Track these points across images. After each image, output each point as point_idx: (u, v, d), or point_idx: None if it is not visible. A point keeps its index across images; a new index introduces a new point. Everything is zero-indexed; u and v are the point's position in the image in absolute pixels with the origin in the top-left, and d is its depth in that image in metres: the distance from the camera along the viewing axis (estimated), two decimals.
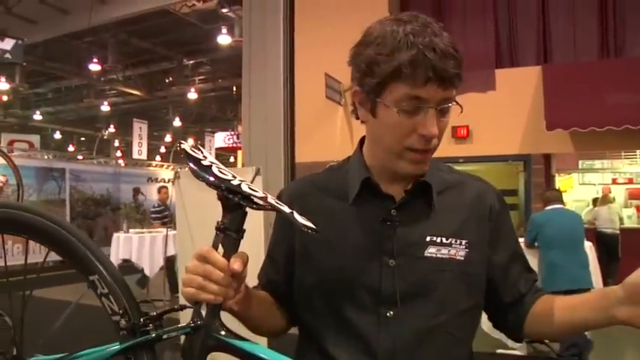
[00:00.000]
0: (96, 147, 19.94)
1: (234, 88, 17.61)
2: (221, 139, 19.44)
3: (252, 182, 3.60)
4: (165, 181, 16.53)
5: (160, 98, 19.64)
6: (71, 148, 25.30)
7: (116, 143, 24.60)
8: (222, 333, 0.95)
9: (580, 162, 11.30)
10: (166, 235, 7.12)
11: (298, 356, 1.24)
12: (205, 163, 0.97)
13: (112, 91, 19.54)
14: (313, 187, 1.25)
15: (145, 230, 8.27)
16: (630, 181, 11.95)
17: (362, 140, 1.25)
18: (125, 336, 1.04)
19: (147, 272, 7.76)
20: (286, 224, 1.23)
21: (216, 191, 0.94)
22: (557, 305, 1.15)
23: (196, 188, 3.68)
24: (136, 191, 15.32)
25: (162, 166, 17.85)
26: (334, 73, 8.41)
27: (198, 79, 18.24)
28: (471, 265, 1.15)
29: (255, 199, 0.93)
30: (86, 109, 21.08)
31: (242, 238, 0.95)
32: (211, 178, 0.93)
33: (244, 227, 0.95)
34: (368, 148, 1.21)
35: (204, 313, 0.94)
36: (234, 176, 0.95)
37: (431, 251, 1.12)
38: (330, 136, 9.16)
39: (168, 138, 23.97)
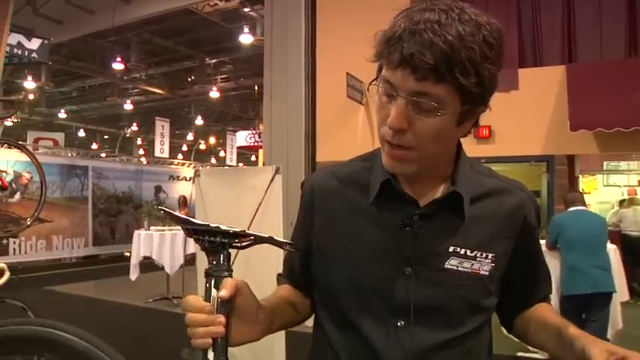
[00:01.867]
0: (118, 145, 20.13)
1: (256, 87, 17.67)
2: (242, 137, 19.47)
3: (271, 181, 3.64)
4: (186, 179, 16.67)
5: (182, 97, 19.76)
6: (94, 146, 25.60)
7: (138, 141, 24.82)
8: None
9: (605, 163, 11.09)
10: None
11: (312, 353, 1.23)
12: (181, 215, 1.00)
13: (135, 90, 19.71)
14: (337, 179, 1.18)
15: (165, 228, 8.32)
16: None
17: None
18: None
19: (167, 270, 7.81)
20: (306, 218, 1.21)
21: (197, 238, 0.96)
22: (536, 317, 1.17)
23: (216, 186, 3.71)
24: (158, 189, 15.45)
25: (184, 164, 17.96)
26: (356, 73, 8.38)
27: (220, 78, 18.31)
28: (495, 281, 1.10)
29: (236, 235, 0.95)
30: (109, 108, 21.29)
31: (230, 276, 0.95)
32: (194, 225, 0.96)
33: (231, 267, 0.96)
34: None
35: (211, 357, 0.93)
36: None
37: (452, 263, 1.06)
38: (351, 135, 9.14)
39: (190, 136, 24.14)
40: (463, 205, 1.06)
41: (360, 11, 8.94)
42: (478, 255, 1.06)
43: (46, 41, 11.35)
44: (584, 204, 5.01)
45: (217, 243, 0.94)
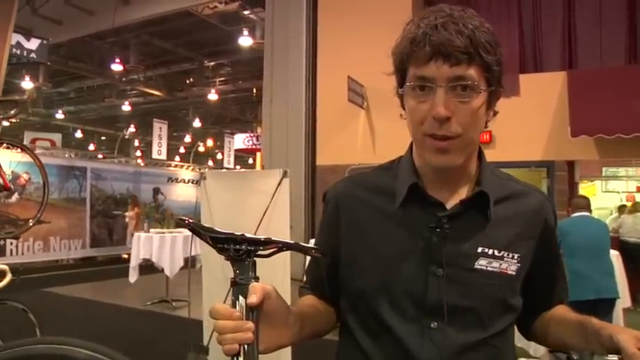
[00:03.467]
0: (117, 146, 20.10)
1: (254, 90, 17.70)
2: (240, 140, 19.49)
3: (279, 185, 3.63)
4: (185, 182, 16.64)
5: (181, 99, 19.77)
6: (92, 147, 25.55)
7: (136, 143, 24.79)
8: None
9: (604, 169, 11.13)
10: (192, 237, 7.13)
11: (340, 358, 1.22)
12: (206, 225, 0.98)
13: (133, 91, 19.71)
14: (361, 187, 1.20)
15: (165, 230, 8.29)
16: None
17: None
18: None
19: (167, 272, 7.78)
20: (331, 226, 1.21)
21: (221, 247, 0.95)
22: (556, 316, 1.20)
23: (222, 189, 3.70)
24: (156, 191, 15.43)
25: (182, 166, 17.95)
26: (357, 77, 8.39)
27: (219, 81, 18.33)
28: (520, 280, 1.12)
29: (261, 242, 0.95)
30: (107, 109, 21.29)
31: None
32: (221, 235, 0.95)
33: (257, 275, 0.95)
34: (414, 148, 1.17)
35: None
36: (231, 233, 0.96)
37: (482, 263, 1.08)
38: (352, 139, 9.15)
39: (187, 138, 24.12)
40: (489, 205, 1.09)
41: (362, 15, 8.97)
42: (505, 255, 1.09)
43: (44, 41, 11.34)
44: (590, 210, 5.02)
45: (243, 251, 0.93)
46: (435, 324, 1.07)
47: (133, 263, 7.88)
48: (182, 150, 26.03)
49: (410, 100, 1.04)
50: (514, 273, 1.10)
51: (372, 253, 1.13)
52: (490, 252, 1.08)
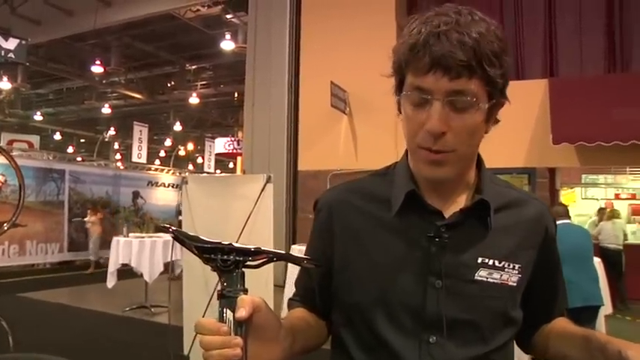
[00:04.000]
0: (97, 149, 19.86)
1: (236, 94, 17.60)
2: (221, 144, 19.37)
3: (262, 190, 3.58)
4: (165, 186, 16.47)
5: (162, 102, 19.62)
6: (70, 150, 25.23)
7: (116, 146, 24.54)
8: None
9: (583, 176, 11.26)
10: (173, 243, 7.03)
11: None
12: (191, 234, 0.91)
13: (114, 94, 19.51)
14: (355, 194, 1.14)
15: (145, 235, 8.17)
16: (633, 197, 11.91)
17: None
18: None
19: (146, 278, 7.65)
20: (323, 234, 1.15)
21: (207, 258, 0.89)
22: (556, 329, 1.16)
23: (204, 194, 3.63)
24: (136, 195, 15.25)
25: (162, 170, 17.78)
26: (340, 82, 8.36)
27: (200, 84, 18.23)
28: (521, 291, 1.08)
29: (251, 252, 0.89)
30: (87, 111, 21.05)
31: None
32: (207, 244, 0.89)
33: (246, 287, 0.89)
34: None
35: None
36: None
37: (482, 274, 1.03)
38: (334, 145, 9.12)
39: (168, 142, 23.93)
40: (489, 214, 1.04)
41: (346, 20, 8.96)
42: (506, 265, 1.04)
43: (23, 42, 11.16)
44: (569, 217, 5.03)
45: (231, 262, 0.87)
46: (434, 338, 1.01)
47: (112, 268, 7.73)
48: (162, 154, 25.82)
49: (406, 107, 0.99)
50: (515, 284, 1.05)
51: (368, 262, 1.07)
52: (491, 262, 1.04)
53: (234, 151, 18.61)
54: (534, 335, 1.20)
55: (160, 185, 16.33)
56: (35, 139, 16.30)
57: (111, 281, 7.73)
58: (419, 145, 0.99)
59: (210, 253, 0.88)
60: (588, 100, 7.46)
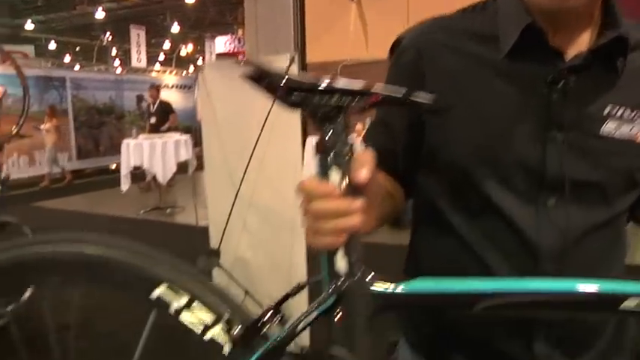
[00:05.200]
0: (95, 54, 19.35)
1: None
2: (221, 44, 18.80)
3: (287, 71, 3.31)
4: (169, 87, 16.17)
5: (156, 3, 18.85)
6: (67, 59, 24.63)
7: (114, 52, 23.91)
8: (383, 284, 0.72)
9: None
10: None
11: (423, 254, 1.02)
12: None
13: None
14: (449, 31, 0.93)
15: (155, 135, 8.04)
16: None
17: None
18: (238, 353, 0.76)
19: (160, 179, 7.60)
20: (412, 77, 0.93)
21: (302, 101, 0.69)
22: None
23: (226, 80, 3.33)
24: (140, 98, 14.96)
25: (165, 71, 17.36)
26: None
27: None
28: None
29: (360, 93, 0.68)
30: (80, 17, 20.28)
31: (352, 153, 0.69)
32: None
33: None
34: None
35: (342, 265, 0.69)
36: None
37: (610, 127, 0.85)
38: (343, 35, 8.75)
39: (167, 45, 23.27)
40: (624, 54, 0.84)
41: None
42: (637, 117, 0.86)
43: None
44: None
45: (333, 105, 0.68)
46: (553, 201, 0.86)
47: (124, 171, 7.63)
48: (162, 57, 25.19)
49: None
50: None
51: (473, 113, 0.89)
52: (619, 113, 0.86)
53: (236, 49, 18.11)
54: None
55: (164, 87, 16.00)
56: (30, 49, 15.86)
57: (125, 184, 7.65)
58: None
59: (307, 92, 0.68)
60: None
